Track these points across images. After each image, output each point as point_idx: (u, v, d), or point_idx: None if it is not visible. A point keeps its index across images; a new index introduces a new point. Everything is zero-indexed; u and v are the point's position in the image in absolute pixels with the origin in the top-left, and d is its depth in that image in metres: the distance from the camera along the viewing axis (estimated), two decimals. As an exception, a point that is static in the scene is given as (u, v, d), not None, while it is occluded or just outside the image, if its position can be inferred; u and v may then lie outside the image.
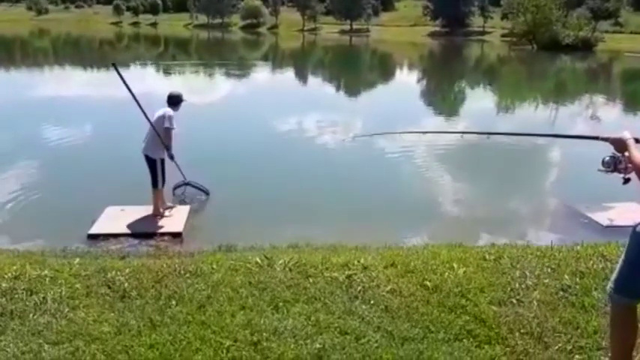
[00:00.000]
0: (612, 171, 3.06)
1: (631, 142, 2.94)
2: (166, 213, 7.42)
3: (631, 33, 69.64)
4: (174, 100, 7.39)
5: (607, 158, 3.08)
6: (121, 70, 6.99)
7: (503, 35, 71.38)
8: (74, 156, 11.01)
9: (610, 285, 3.01)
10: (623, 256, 2.98)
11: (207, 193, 8.24)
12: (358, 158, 11.48)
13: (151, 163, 7.21)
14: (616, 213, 7.58)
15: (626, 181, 3.05)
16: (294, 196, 8.41)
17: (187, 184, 8.23)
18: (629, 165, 2.95)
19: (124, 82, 6.94)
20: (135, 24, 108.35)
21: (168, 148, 7.25)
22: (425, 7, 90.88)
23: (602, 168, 3.10)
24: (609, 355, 3.18)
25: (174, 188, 8.21)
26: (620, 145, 3.00)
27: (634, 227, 2.95)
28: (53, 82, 25.24)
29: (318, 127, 14.42)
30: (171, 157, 7.47)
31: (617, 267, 3.01)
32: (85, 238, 6.62)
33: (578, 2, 70.86)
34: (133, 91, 6.98)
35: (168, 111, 7.25)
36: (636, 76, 36.16)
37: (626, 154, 2.96)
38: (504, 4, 62.15)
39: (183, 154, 7.70)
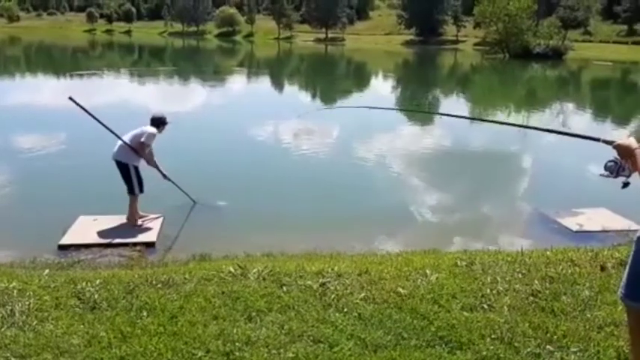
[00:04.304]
0: (615, 177, 2.96)
1: (638, 153, 2.82)
2: (139, 222, 7.35)
3: (600, 42, 71.35)
4: (156, 122, 7.39)
5: (610, 164, 2.96)
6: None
7: (475, 44, 72.51)
8: (45, 164, 10.84)
9: (620, 290, 3.00)
10: (629, 262, 2.95)
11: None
12: (333, 166, 11.53)
13: (123, 168, 7.15)
14: (585, 218, 7.74)
15: (625, 185, 2.95)
16: (269, 204, 8.40)
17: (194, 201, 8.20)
18: (633, 172, 2.88)
19: (86, 111, 6.95)
20: (108, 31, 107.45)
21: (147, 161, 7.30)
22: (399, 16, 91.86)
23: (604, 173, 2.99)
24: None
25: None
26: (626, 152, 2.90)
27: (638, 235, 2.89)
28: (23, 90, 24.82)
29: (292, 135, 14.43)
30: (164, 176, 7.59)
31: (625, 272, 2.99)
32: (55, 249, 6.50)
33: (548, 11, 72.36)
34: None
35: (150, 128, 7.27)
36: (605, 84, 37.00)
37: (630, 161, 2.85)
38: (477, 13, 63.09)
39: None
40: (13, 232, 7.03)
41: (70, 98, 6.88)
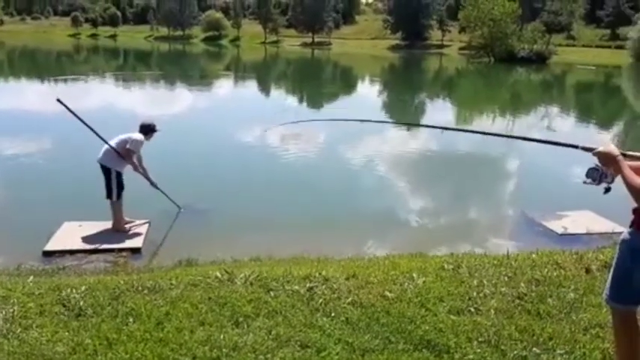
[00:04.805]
0: (598, 184, 2.90)
1: (621, 159, 2.79)
2: (126, 227, 7.30)
3: (583, 46, 72.14)
4: (145, 129, 7.36)
5: (594, 172, 2.89)
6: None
7: (461, 48, 73.00)
8: (29, 170, 10.71)
9: (605, 292, 3.04)
10: (614, 264, 2.99)
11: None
12: (320, 169, 11.54)
13: (106, 172, 7.10)
14: (570, 221, 7.80)
15: (607, 190, 2.91)
16: (257, 208, 8.37)
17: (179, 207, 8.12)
18: (615, 177, 2.85)
19: (74, 113, 6.91)
20: (93, 36, 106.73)
21: (134, 167, 7.26)
22: (385, 21, 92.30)
23: (587, 180, 2.92)
24: None
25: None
26: (607, 159, 2.85)
27: (622, 237, 2.94)
28: (6, 93, 24.53)
29: (279, 139, 14.41)
30: (152, 184, 7.55)
31: (610, 275, 3.02)
32: (40, 255, 6.43)
33: (532, 16, 73.08)
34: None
35: (137, 135, 7.24)
36: (589, 88, 37.42)
37: (612, 168, 2.83)
38: (461, 17, 63.56)
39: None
40: (-4, 239, 6.94)
41: (58, 100, 6.80)
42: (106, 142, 7.12)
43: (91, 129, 7.04)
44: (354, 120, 5.39)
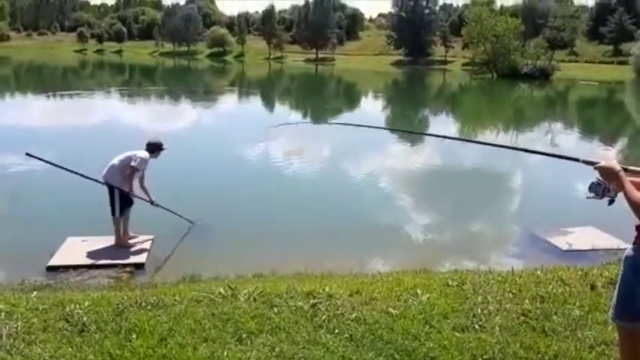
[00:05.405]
0: (601, 198, 2.92)
1: (623, 175, 2.80)
2: (130, 242, 7.30)
3: (586, 62, 72.26)
4: (152, 147, 7.37)
5: (597, 187, 2.91)
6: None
7: (464, 64, 73.24)
8: (33, 185, 10.72)
9: (611, 311, 3.04)
10: (618, 282, 2.98)
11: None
12: (323, 185, 11.55)
13: (110, 189, 7.12)
14: (574, 237, 7.78)
15: (611, 202, 2.92)
16: (260, 224, 8.37)
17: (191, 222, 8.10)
18: (618, 192, 2.85)
19: (48, 162, 7.06)
20: (99, 51, 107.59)
21: (129, 189, 7.22)
22: (388, 37, 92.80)
23: (590, 195, 2.94)
24: None
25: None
26: (609, 174, 2.85)
27: (625, 254, 2.94)
28: (11, 109, 24.70)
29: (282, 155, 14.43)
30: (154, 204, 7.53)
31: (615, 293, 3.01)
32: (44, 270, 6.43)
33: (535, 32, 73.37)
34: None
35: (143, 152, 7.23)
36: (591, 104, 37.43)
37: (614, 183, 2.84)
38: (465, 34, 63.82)
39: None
40: (0, 254, 6.95)
41: (28, 154, 6.90)
42: (90, 179, 7.15)
43: (71, 171, 7.12)
44: (344, 124, 5.41)
